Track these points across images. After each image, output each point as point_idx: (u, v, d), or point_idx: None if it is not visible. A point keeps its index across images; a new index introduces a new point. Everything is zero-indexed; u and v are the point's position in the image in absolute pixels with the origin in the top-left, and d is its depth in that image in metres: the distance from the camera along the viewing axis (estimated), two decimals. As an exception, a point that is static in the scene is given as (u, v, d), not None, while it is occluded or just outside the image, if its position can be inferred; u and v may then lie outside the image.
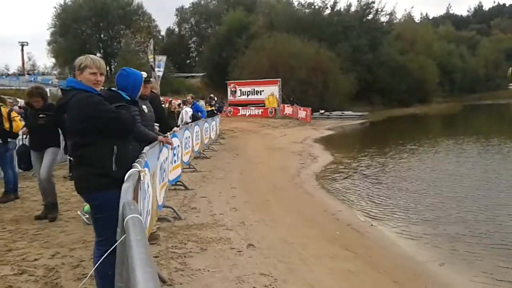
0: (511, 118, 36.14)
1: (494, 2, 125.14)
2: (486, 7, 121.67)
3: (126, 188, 2.48)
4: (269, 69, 39.37)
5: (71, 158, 3.52)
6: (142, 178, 3.10)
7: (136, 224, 1.75)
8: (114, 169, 3.11)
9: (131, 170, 2.93)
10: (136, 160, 3.37)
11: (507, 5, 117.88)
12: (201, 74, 55.64)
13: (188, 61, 64.62)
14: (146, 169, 4.09)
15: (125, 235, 1.84)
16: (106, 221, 2.93)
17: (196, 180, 9.72)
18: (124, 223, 1.88)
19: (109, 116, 3.19)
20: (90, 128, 3.14)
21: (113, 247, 2.15)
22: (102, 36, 54.16)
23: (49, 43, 53.17)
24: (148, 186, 4.36)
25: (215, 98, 22.46)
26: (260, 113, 34.65)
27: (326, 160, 14.25)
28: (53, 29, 52.44)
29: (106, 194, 3.02)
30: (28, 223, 6.01)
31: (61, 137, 6.70)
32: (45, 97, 6.54)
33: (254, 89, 37.33)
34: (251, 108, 35.50)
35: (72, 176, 3.44)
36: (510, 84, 78.98)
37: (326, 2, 50.95)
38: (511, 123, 31.41)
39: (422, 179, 10.84)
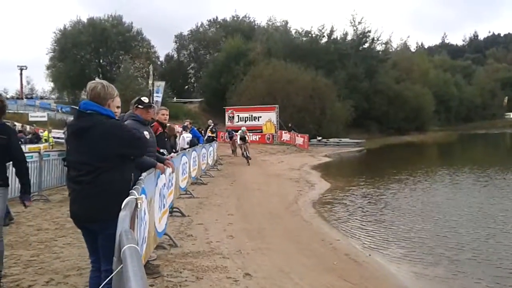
0: (505, 148, 36.21)
1: (489, 32, 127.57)
2: (481, 36, 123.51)
3: (123, 217, 2.46)
4: (267, 96, 39.71)
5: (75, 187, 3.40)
6: (139, 205, 3.07)
7: (133, 254, 1.72)
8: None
9: (128, 198, 2.90)
10: (134, 187, 3.34)
11: (502, 35, 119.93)
12: (199, 99, 55.98)
13: (186, 86, 65.09)
14: (143, 195, 4.06)
15: (122, 265, 1.81)
16: None
17: (193, 207, 9.64)
18: (121, 253, 1.85)
19: (136, 137, 3.39)
20: (117, 152, 3.21)
21: (110, 277, 2.11)
22: (101, 61, 54.60)
23: (48, 68, 53.54)
24: (145, 213, 4.32)
25: (214, 124, 22.53)
26: (257, 139, 34.71)
27: (323, 188, 14.22)
28: (52, 53, 52.92)
29: (116, 222, 2.96)
30: (23, 249, 5.93)
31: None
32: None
33: (251, 115, 37.54)
34: (249, 134, 35.51)
35: (77, 206, 3.28)
36: (506, 113, 79.75)
37: (323, 30, 51.87)
38: (505, 153, 31.51)
39: (419, 209, 10.79)
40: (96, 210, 3.18)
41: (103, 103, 3.30)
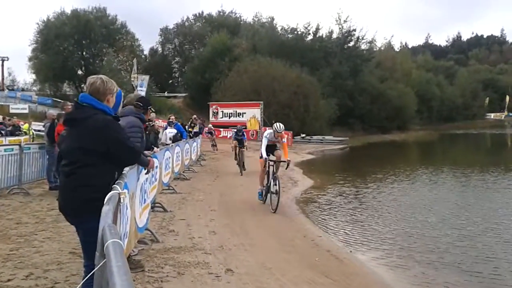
0: (485, 148, 36.87)
1: (472, 33, 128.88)
2: (464, 37, 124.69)
3: (106, 211, 2.45)
4: (252, 92, 39.69)
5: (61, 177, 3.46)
6: (122, 200, 3.06)
7: (117, 249, 1.72)
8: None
9: (111, 192, 2.89)
10: (116, 182, 3.33)
11: (484, 36, 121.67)
12: (184, 94, 55.64)
13: (170, 81, 64.57)
14: (125, 190, 4.04)
15: (105, 260, 1.80)
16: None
17: (175, 202, 9.62)
18: (105, 247, 1.85)
19: (127, 146, 3.37)
20: (103, 150, 3.22)
21: (93, 271, 2.11)
22: (84, 53, 53.79)
23: (30, 59, 52.56)
24: (127, 208, 4.30)
25: (198, 119, 22.35)
26: (241, 135, 34.59)
27: (306, 185, 14.30)
28: (34, 45, 51.92)
29: (98, 217, 2.96)
30: (2, 242, 5.84)
31: None
32: None
33: (236, 111, 37.52)
34: (233, 130, 35.48)
35: (60, 198, 3.32)
36: (487, 114, 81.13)
37: (308, 28, 51.97)
38: (484, 153, 32.09)
39: (400, 207, 10.95)
40: (74, 203, 3.20)
41: (102, 99, 3.36)
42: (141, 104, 5.48)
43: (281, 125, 9.27)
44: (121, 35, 54.75)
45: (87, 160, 3.20)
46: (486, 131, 54.21)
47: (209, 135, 24.99)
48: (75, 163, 3.22)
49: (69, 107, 11.04)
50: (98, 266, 1.90)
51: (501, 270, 6.28)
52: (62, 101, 28.65)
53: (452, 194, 12.94)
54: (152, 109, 6.01)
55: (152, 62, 60.06)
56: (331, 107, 43.02)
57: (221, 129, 35.93)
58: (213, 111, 38.71)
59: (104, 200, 2.86)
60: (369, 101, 48.83)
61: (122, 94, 4.15)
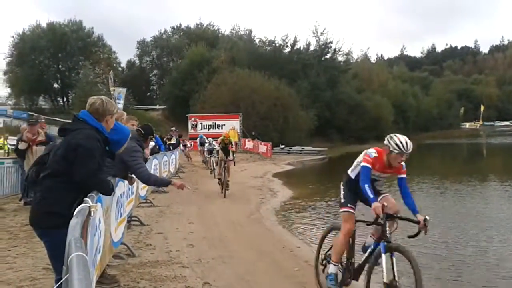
0: (462, 158, 37.56)
1: (447, 44, 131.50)
2: (438, 49, 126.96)
3: (74, 224, 2.39)
4: (231, 104, 39.74)
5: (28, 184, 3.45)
6: (92, 213, 2.99)
7: (80, 262, 1.67)
8: (73, 212, 3.03)
9: (81, 206, 2.82)
10: (88, 195, 3.26)
11: (459, 47, 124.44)
12: (162, 107, 55.34)
13: (148, 93, 64.21)
14: (98, 204, 3.95)
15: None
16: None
17: (153, 215, 9.48)
18: (69, 261, 1.79)
19: (96, 177, 3.33)
20: (69, 160, 3.21)
21: (57, 285, 2.05)
22: (60, 67, 53.16)
23: (5, 73, 51.68)
24: (100, 222, 4.21)
25: (175, 131, 22.21)
26: (220, 147, 34.53)
27: (285, 196, 14.30)
28: (9, 58, 51.20)
29: (62, 231, 2.91)
30: (-27, 259, 5.65)
31: None
32: None
33: (215, 123, 37.49)
34: (212, 142, 35.40)
35: (31, 210, 3.31)
36: (462, 124, 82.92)
37: (286, 40, 52.51)
38: (461, 163, 32.69)
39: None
40: (38, 216, 3.18)
41: (101, 119, 3.45)
42: (143, 132, 5.51)
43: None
44: (98, 48, 54.35)
45: (58, 170, 3.20)
46: (463, 141, 55.22)
47: (183, 147, 24.91)
48: (51, 171, 3.24)
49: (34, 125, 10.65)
50: (62, 280, 1.84)
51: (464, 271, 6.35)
52: (35, 114, 28.12)
53: (429, 199, 13.14)
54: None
55: (129, 74, 59.65)
56: (309, 118, 43.37)
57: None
58: (192, 123, 38.58)
59: (69, 215, 2.80)
60: (346, 112, 49.40)
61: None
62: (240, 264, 6.33)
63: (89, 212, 2.92)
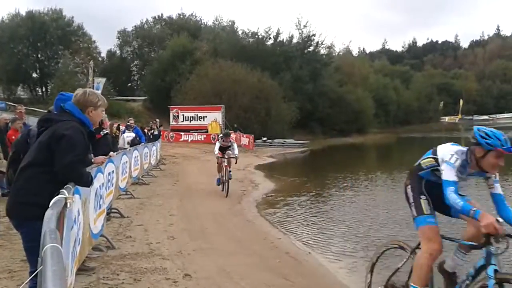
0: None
1: (428, 39, 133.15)
2: (419, 43, 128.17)
3: (50, 216, 2.33)
4: (213, 95, 39.48)
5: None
6: (68, 205, 2.93)
7: (54, 254, 1.63)
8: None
9: (56, 197, 2.76)
10: (65, 186, 3.19)
11: (439, 42, 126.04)
12: (143, 98, 54.71)
13: (129, 84, 63.31)
14: (77, 195, 3.89)
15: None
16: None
17: (133, 207, 9.39)
18: (43, 252, 1.75)
19: (76, 169, 3.29)
20: (50, 148, 3.19)
21: (30, 277, 2.01)
22: (39, 56, 52.08)
23: (-18, 62, 50.39)
24: (79, 214, 4.14)
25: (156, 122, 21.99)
26: (202, 139, 34.45)
27: (267, 188, 14.33)
28: (-13, 47, 49.90)
29: (40, 223, 2.86)
30: None
31: None
32: None
33: (197, 115, 37.24)
34: (194, 133, 35.29)
35: (8, 200, 3.26)
36: (442, 117, 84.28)
37: (269, 32, 52.29)
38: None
39: (360, 208, 11.14)
40: (14, 206, 3.15)
41: (83, 110, 3.44)
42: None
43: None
44: (78, 37, 53.31)
45: (39, 158, 3.17)
46: (441, 134, 56.01)
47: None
48: (31, 160, 3.21)
49: (22, 111, 10.62)
50: (37, 271, 1.80)
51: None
52: (15, 105, 27.54)
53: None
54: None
55: (110, 64, 58.71)
56: (292, 111, 43.42)
57: (182, 133, 35.63)
58: (173, 115, 38.26)
59: (43, 207, 2.74)
60: (328, 104, 49.62)
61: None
62: (221, 255, 6.32)
63: (65, 204, 2.86)
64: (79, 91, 3.56)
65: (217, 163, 12.31)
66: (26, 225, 3.00)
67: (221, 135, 13.09)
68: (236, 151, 12.17)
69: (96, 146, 6.10)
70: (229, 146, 12.30)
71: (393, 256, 4.59)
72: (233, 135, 33.57)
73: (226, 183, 11.82)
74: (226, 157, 12.02)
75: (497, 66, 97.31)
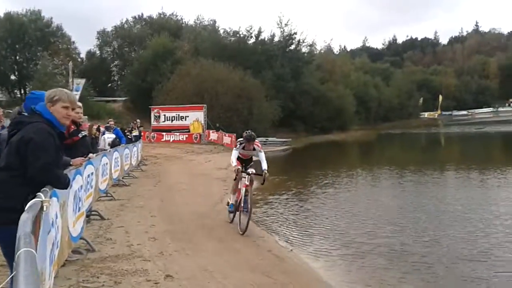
0: (420, 148, 38.60)
1: (407, 36, 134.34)
2: (399, 40, 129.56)
3: (25, 220, 2.31)
4: (194, 95, 39.32)
5: None
6: (45, 208, 2.91)
7: (28, 258, 1.62)
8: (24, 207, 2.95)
9: (32, 200, 2.74)
10: (42, 190, 3.17)
11: (419, 39, 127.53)
12: (124, 98, 54.16)
13: (109, 84, 62.56)
14: (54, 198, 3.85)
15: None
16: None
17: (113, 209, 9.31)
18: (16, 257, 1.74)
19: (51, 171, 3.25)
20: (21, 152, 3.14)
21: (5, 282, 2.00)
22: (17, 58, 51.15)
23: (-41, 64, 49.26)
24: (57, 217, 4.10)
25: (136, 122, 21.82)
26: (184, 139, 34.32)
27: (249, 186, 14.32)
28: (-36, 49, 48.78)
29: (15, 227, 2.82)
30: None
31: None
32: None
33: (178, 115, 37.02)
34: (176, 133, 35.11)
35: None
36: (421, 113, 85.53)
37: (250, 31, 52.29)
38: (420, 152, 33.62)
39: (341, 205, 11.25)
40: None
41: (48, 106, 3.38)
42: None
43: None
44: (57, 38, 52.54)
45: (11, 163, 3.12)
46: (421, 130, 56.78)
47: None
48: (1, 167, 3.15)
49: (0, 113, 10.40)
50: (10, 276, 1.79)
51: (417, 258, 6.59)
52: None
53: (390, 190, 13.51)
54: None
55: (89, 65, 57.93)
56: (274, 109, 43.52)
57: (163, 133, 35.43)
58: (154, 115, 37.98)
59: (23, 210, 2.70)
60: (310, 102, 49.88)
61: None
62: (204, 255, 6.33)
63: (42, 207, 2.84)
64: (51, 91, 3.50)
65: (234, 179, 8.75)
66: (1, 230, 2.95)
67: (241, 139, 8.68)
68: (265, 164, 8.49)
69: (74, 148, 6.04)
70: (249, 159, 9.04)
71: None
72: (214, 134, 33.57)
73: (243, 214, 8.01)
74: (249, 172, 8.34)
75: (475, 62, 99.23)
